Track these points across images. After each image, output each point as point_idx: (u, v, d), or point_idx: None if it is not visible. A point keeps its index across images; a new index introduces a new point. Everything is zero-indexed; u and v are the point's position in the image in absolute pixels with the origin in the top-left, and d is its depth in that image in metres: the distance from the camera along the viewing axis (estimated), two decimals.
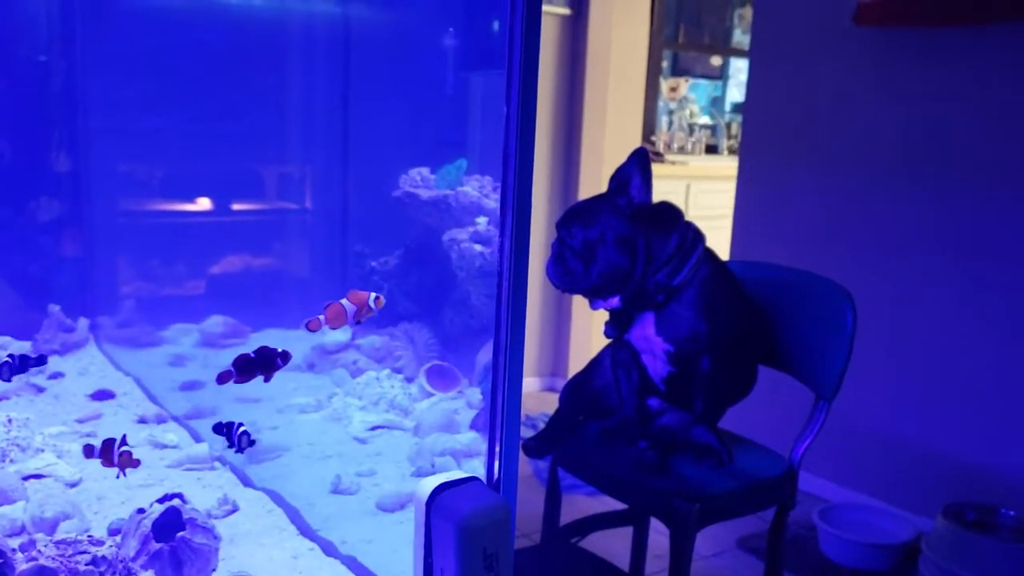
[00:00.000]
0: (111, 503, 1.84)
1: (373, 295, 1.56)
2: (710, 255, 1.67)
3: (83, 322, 2.74)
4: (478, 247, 2.40)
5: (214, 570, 1.52)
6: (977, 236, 2.37)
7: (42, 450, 2.01)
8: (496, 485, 1.30)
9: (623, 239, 1.60)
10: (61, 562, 1.24)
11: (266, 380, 1.53)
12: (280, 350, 1.53)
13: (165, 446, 2.09)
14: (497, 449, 1.29)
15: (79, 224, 2.90)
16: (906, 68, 2.48)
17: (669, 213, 1.66)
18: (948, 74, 2.40)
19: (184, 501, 1.57)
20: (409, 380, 2.40)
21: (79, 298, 2.82)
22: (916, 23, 2.37)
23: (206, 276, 2.91)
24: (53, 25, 2.87)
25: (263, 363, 1.51)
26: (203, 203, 3.00)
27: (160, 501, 1.55)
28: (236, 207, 3.04)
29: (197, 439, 2.15)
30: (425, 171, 2.54)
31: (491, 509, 1.24)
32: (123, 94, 2.78)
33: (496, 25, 2.44)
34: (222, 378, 1.49)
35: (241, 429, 1.63)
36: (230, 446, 1.63)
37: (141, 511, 1.54)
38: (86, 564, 1.26)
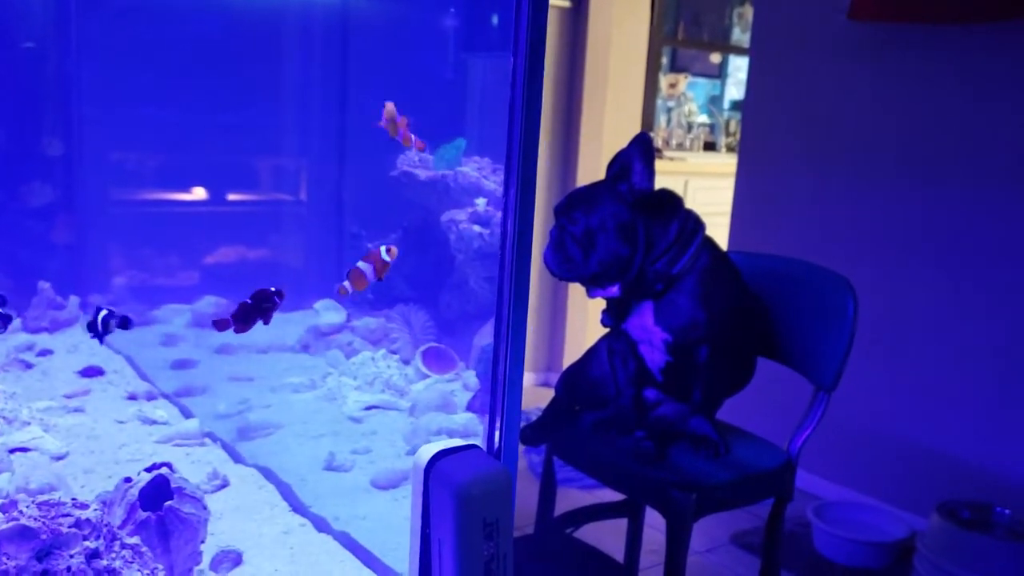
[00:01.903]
0: (98, 477, 1.81)
1: (384, 247, 1.55)
2: (710, 244, 1.66)
3: (73, 300, 2.70)
4: (477, 228, 2.37)
5: (203, 541, 1.48)
6: (974, 232, 2.37)
7: (28, 423, 1.97)
8: (497, 453, 1.27)
9: (624, 226, 1.58)
10: (43, 523, 1.19)
11: (265, 323, 1.50)
12: (274, 288, 1.49)
13: (155, 422, 2.06)
14: (498, 416, 1.26)
15: (71, 211, 2.86)
16: (903, 65, 2.48)
17: (669, 201, 1.64)
18: (943, 71, 2.40)
19: (172, 471, 1.54)
20: (405, 362, 2.37)
21: (70, 281, 2.78)
22: (910, 18, 2.37)
23: (200, 266, 2.88)
24: (48, 11, 2.84)
25: (259, 306, 1.48)
26: (198, 193, 2.97)
27: (148, 470, 1.52)
28: (232, 197, 3.01)
29: (187, 415, 2.11)
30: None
31: (491, 477, 1.20)
32: (118, 82, 2.75)
33: (495, 6, 2.43)
34: (220, 325, 1.46)
35: (103, 313, 1.51)
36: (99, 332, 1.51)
37: (128, 480, 1.50)
38: (69, 526, 1.21)
